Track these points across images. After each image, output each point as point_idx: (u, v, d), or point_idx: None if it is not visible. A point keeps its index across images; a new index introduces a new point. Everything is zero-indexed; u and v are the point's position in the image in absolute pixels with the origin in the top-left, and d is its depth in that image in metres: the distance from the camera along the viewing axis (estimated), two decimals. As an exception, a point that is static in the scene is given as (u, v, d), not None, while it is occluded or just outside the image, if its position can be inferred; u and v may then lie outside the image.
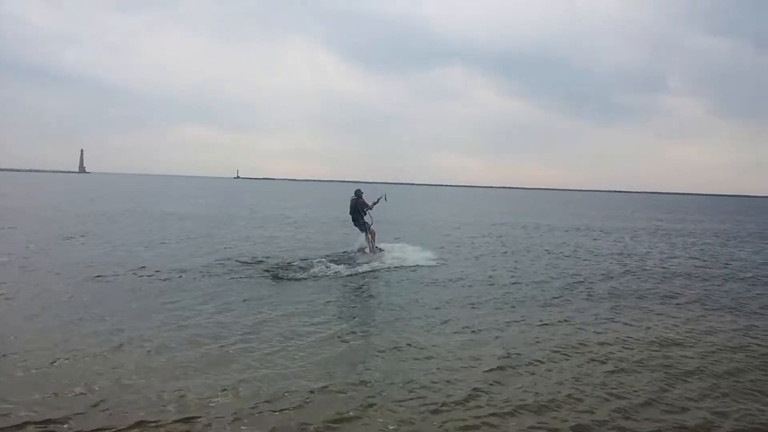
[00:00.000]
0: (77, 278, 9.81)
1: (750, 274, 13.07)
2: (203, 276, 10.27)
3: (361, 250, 14.05)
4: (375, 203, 14.34)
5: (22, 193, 46.42)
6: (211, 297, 8.62)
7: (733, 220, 40.44)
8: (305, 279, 10.49)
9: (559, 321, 7.94)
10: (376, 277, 11.12)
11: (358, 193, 14.35)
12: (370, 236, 14.04)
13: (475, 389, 5.17)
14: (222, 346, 6.19)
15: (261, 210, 32.18)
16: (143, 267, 10.99)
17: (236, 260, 12.13)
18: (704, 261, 15.32)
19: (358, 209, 14.16)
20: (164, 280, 9.86)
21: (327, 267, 11.60)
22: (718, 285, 11.46)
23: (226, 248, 14.22)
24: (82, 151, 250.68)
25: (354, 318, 7.77)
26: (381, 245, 14.40)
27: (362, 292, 9.74)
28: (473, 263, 13.49)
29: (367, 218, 14.14)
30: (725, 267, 14.24)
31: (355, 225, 14.41)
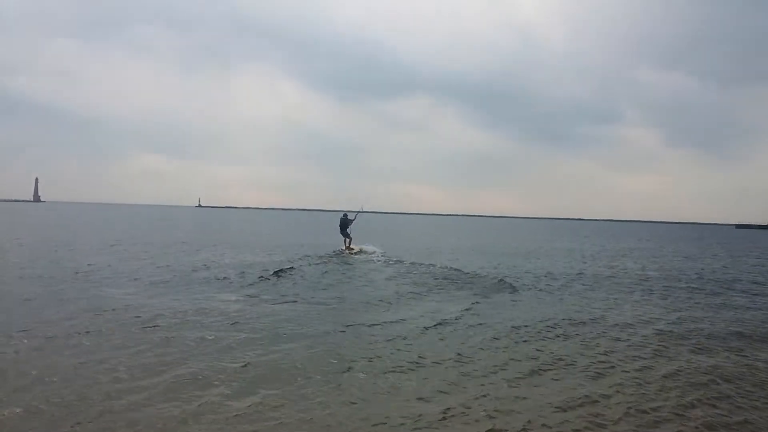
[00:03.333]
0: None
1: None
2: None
3: (343, 250, 24.07)
4: (356, 217, 24.23)
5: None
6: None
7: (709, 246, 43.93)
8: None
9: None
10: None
11: (346, 215, 24.03)
12: (348, 241, 24.31)
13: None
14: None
15: (246, 237, 33.26)
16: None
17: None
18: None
19: (346, 224, 24.07)
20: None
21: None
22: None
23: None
24: (36, 179, 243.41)
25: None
26: (359, 246, 25.01)
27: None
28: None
29: (349, 230, 24.13)
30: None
31: (341, 233, 24.26)
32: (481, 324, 10.50)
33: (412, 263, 21.12)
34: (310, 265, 19.64)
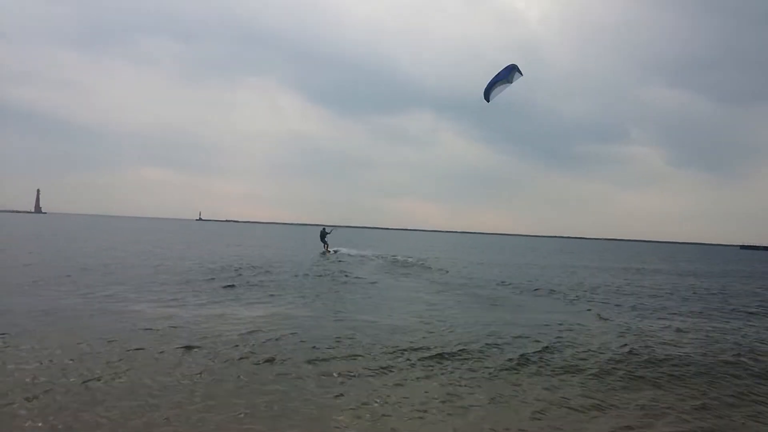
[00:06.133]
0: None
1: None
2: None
3: (324, 253, 35.22)
4: (329, 233, 37.09)
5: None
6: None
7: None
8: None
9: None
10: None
11: (324, 228, 37.34)
12: (326, 245, 36.13)
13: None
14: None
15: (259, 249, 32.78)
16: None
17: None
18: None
19: (324, 235, 36.56)
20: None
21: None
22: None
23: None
24: (38, 190, 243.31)
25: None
26: (340, 249, 38.48)
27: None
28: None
29: (326, 239, 36.47)
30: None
31: (321, 241, 36.59)
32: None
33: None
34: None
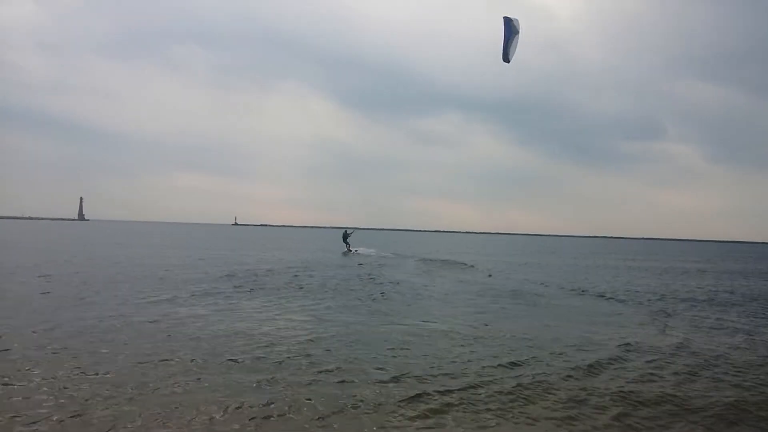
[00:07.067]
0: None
1: None
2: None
3: (346, 252, 39.50)
4: (350, 234, 42.27)
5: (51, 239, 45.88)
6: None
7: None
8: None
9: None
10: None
11: (346, 230, 42.69)
12: (348, 245, 40.75)
13: None
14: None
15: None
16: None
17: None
18: None
19: (346, 236, 41.49)
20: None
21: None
22: None
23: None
24: (81, 198, 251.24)
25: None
26: (359, 249, 41.56)
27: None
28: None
29: (348, 240, 41.25)
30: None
31: (343, 242, 41.02)
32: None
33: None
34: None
